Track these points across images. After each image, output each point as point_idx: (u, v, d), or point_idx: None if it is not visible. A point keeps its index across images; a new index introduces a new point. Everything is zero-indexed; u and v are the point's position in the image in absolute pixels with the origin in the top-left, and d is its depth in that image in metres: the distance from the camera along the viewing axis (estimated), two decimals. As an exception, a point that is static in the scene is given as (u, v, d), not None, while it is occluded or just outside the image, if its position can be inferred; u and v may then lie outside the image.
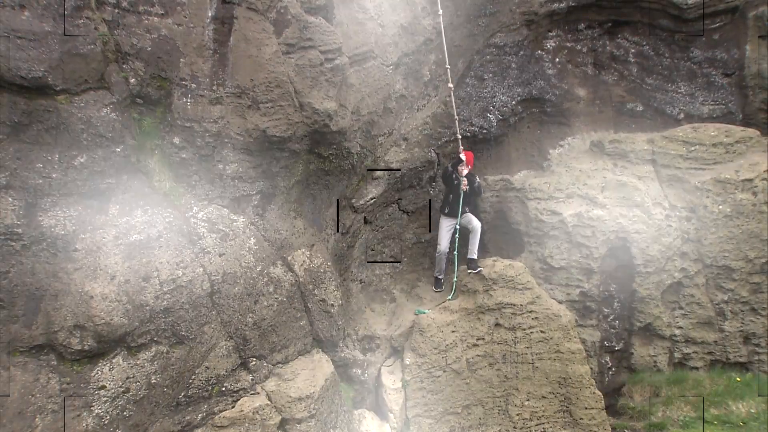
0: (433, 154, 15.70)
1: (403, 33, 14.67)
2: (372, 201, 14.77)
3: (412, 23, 14.83)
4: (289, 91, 12.43)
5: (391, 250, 15.70)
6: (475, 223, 15.43)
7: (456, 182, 15.10)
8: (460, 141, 14.04)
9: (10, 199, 10.97)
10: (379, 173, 14.82)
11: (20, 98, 11.07)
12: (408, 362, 14.23)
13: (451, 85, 14.28)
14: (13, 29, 10.90)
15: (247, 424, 11.90)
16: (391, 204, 15.50)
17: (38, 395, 10.78)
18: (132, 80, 11.87)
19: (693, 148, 16.16)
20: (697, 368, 16.23)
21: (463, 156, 14.62)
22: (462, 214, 15.26)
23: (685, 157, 16.15)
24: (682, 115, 17.46)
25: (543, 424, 14.18)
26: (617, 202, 15.76)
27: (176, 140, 12.25)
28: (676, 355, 16.23)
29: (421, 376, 14.11)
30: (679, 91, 17.58)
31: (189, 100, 12.16)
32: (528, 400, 14.22)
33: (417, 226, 16.02)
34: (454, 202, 15.19)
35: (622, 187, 15.81)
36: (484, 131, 15.93)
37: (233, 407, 12.10)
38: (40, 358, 11.05)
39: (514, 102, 16.47)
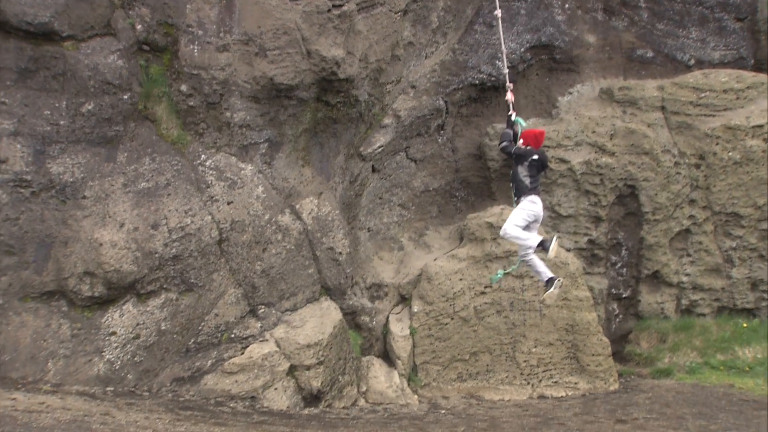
0: (441, 102, 15.58)
1: (411, -22, 14.48)
2: (380, 149, 14.72)
3: (420, -32, 14.64)
4: (296, 39, 12.35)
5: (399, 198, 15.68)
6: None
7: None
8: (507, 75, 12.75)
9: (18, 145, 11.04)
10: (386, 121, 14.71)
11: (26, 44, 11.12)
12: (416, 310, 14.31)
13: (498, 12, 12.59)
14: (18, -26, 10.86)
15: (256, 371, 12.00)
16: (398, 152, 15.44)
17: (50, 340, 10.93)
18: (138, 27, 11.84)
19: (703, 95, 16.03)
20: (704, 315, 16.29)
21: (509, 86, 11.95)
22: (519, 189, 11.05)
23: (695, 104, 16.03)
24: (692, 61, 17.29)
25: (550, 370, 14.27)
26: (626, 150, 15.68)
27: (183, 88, 12.22)
28: (684, 302, 16.29)
29: (428, 324, 14.19)
30: (690, 36, 17.38)
31: (196, 47, 12.10)
32: (535, 347, 14.31)
33: (425, 174, 15.97)
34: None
35: (631, 134, 15.72)
36: (493, 79, 15.76)
37: (243, 354, 12.19)
38: (51, 304, 11.22)
39: (522, 49, 16.29)
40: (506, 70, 12.51)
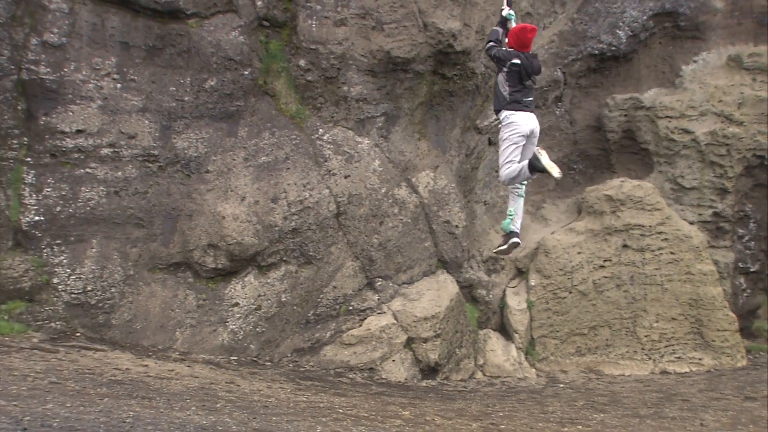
0: (559, 74, 15.29)
1: (530, -53, 14.24)
2: (496, 122, 14.49)
3: (538, -64, 14.37)
4: (413, 11, 12.36)
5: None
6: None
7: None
8: None
9: (146, 121, 11.49)
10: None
11: (154, 23, 11.56)
12: (533, 283, 14.19)
13: None
14: (146, -45, 11.30)
15: (374, 342, 12.18)
16: (515, 125, 15.22)
17: (177, 310, 11.36)
18: (258, 3, 12.09)
19: (843, 59, 15.18)
20: (841, 290, 15.56)
21: None
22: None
23: (833, 69, 15.21)
24: (830, 24, 16.32)
25: (672, 345, 13.93)
26: (755, 119, 15.01)
27: (302, 63, 12.40)
28: (818, 276, 15.59)
29: (546, 297, 14.05)
30: (830, -4, 16.40)
31: (314, 22, 12.27)
32: (657, 321, 13.97)
33: (541, 146, 15.69)
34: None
35: (761, 102, 15.03)
36: (613, 48, 15.34)
37: (360, 326, 12.38)
38: (178, 275, 11.66)
39: (645, 17, 15.75)
40: None
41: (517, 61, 8.53)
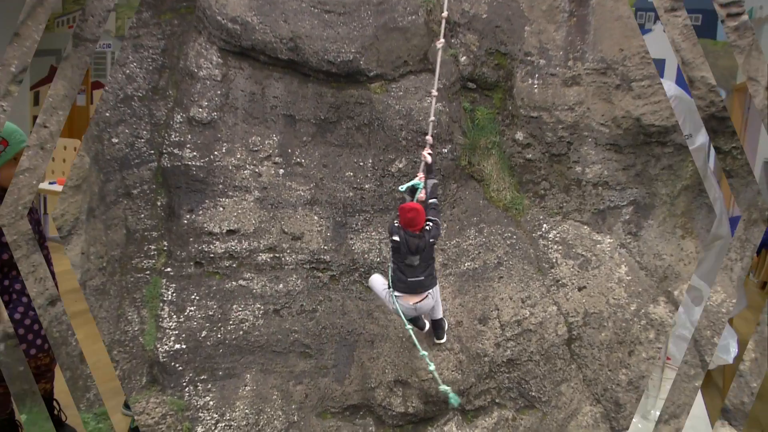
0: None
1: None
2: (785, 212, 11.48)
3: None
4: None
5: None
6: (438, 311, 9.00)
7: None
8: (431, 124, 8.73)
9: (315, 217, 9.55)
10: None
11: (327, 89, 9.52)
12: None
13: (440, 42, 8.88)
14: (320, 2, 9.40)
15: None
16: (831, 217, 12.12)
17: (355, 472, 8.93)
18: (463, 59, 9.83)
19: None
20: None
21: (428, 140, 8.56)
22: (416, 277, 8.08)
23: None
24: None
25: None
26: None
27: (519, 136, 10.03)
28: None
29: None
30: None
31: (536, 82, 9.86)
32: None
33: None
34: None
35: None
36: None
37: (606, 496, 9.43)
38: (356, 423, 9.28)
39: None
40: (432, 118, 8.89)
41: (396, 238, 8.23)
